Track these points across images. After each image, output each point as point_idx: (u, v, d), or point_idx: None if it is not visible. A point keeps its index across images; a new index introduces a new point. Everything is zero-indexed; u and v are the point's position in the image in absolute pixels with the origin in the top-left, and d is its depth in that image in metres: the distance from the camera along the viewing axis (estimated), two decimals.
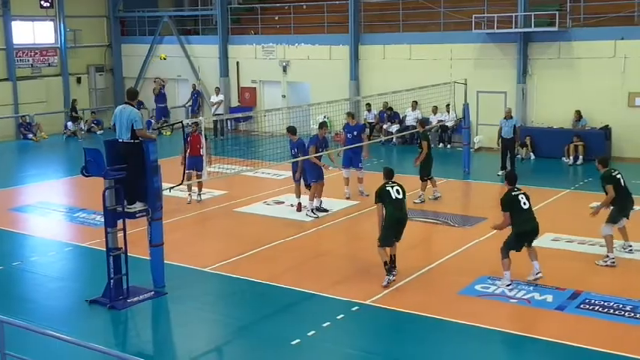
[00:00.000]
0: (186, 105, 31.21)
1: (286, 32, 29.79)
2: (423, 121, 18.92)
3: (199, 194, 17.68)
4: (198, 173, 16.38)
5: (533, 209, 11.99)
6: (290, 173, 17.03)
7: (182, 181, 12.81)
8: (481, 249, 13.73)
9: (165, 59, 21.40)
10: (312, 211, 16.15)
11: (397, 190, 11.94)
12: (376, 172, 19.88)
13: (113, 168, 11.16)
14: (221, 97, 29.55)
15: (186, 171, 14.59)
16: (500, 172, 20.61)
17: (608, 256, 12.54)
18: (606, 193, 12.73)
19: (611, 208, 12.80)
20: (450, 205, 17.21)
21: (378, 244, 11.83)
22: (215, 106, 29.10)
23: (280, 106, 27.34)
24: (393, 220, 11.81)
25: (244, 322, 10.73)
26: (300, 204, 16.40)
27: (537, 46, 24.23)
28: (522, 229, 11.62)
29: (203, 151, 14.46)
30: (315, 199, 16.22)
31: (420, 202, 17.05)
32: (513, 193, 11.79)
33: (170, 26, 32.50)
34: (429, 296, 11.38)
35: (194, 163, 16.04)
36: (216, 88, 29.96)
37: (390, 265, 11.89)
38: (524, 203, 11.68)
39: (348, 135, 18.02)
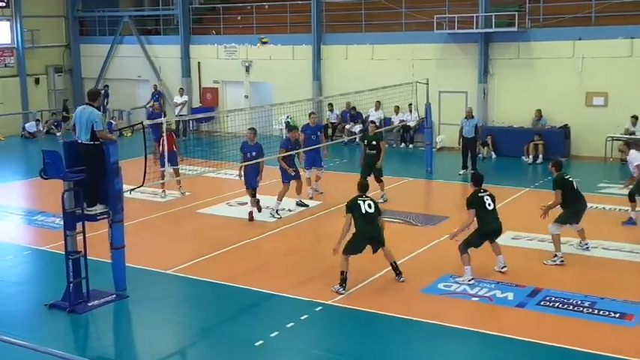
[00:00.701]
0: (147, 106, 30.89)
1: (249, 32, 29.69)
2: (374, 121, 19.07)
3: (180, 188, 18.25)
4: (175, 168, 17.23)
5: (496, 208, 12.14)
6: None
7: (142, 183, 12.66)
8: (444, 248, 13.81)
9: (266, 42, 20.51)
10: (276, 211, 16.12)
11: (369, 205, 11.65)
12: (339, 172, 20.01)
13: (72, 170, 11.00)
14: (185, 97, 29.35)
15: (161, 168, 15.35)
16: (461, 172, 20.81)
17: (556, 255, 12.71)
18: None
19: (563, 209, 12.93)
20: (412, 204, 17.31)
21: (342, 252, 11.67)
22: (179, 107, 28.88)
23: (243, 106, 27.22)
24: (364, 235, 11.61)
25: (207, 323, 10.66)
26: (251, 212, 15.99)
27: (498, 47, 24.52)
28: (486, 229, 11.86)
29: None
30: (282, 200, 16.21)
31: (383, 201, 17.13)
32: (479, 194, 11.95)
33: (130, 26, 32.17)
34: (392, 295, 11.42)
35: (169, 160, 16.12)
36: (180, 89, 29.74)
37: (396, 272, 11.85)
38: (489, 204, 11.89)
39: (312, 136, 18.02)
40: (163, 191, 18.12)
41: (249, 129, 16.07)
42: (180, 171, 17.65)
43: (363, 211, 11.57)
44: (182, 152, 19.07)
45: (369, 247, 11.73)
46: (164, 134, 16.07)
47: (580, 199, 13.06)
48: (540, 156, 22.64)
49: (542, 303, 10.82)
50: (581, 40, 22.98)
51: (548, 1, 23.93)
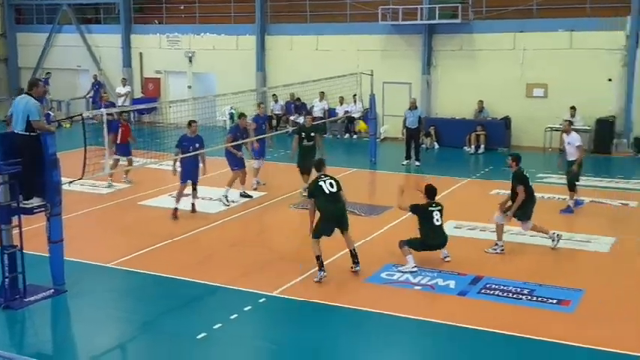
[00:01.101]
0: (87, 96, 30.30)
1: (192, 22, 29.34)
2: (311, 114, 19.13)
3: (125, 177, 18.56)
4: (129, 158, 18.21)
5: (437, 198, 12.29)
6: None
7: (82, 175, 12.39)
8: (387, 237, 13.90)
9: None
10: (225, 198, 16.15)
11: (330, 184, 11.66)
12: (283, 163, 19.92)
13: (7, 162, 10.68)
14: (128, 88, 28.88)
15: (116, 156, 17.25)
16: (404, 162, 20.99)
17: (497, 244, 12.90)
18: (513, 191, 12.85)
19: (512, 203, 12.95)
20: (356, 194, 17.32)
21: (311, 236, 11.61)
22: (122, 97, 28.39)
23: (186, 97, 26.91)
24: (329, 215, 11.58)
25: (148, 317, 10.50)
26: (176, 210, 15.35)
27: (441, 38, 24.77)
28: (430, 243, 12.09)
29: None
30: (231, 186, 16.29)
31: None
32: (430, 208, 12.10)
33: (69, 14, 31.45)
34: (336, 285, 11.43)
35: (124, 150, 18.01)
36: (123, 79, 29.24)
37: (353, 260, 11.81)
38: (437, 220, 12.06)
39: (262, 126, 18.03)
40: (110, 182, 18.06)
41: (190, 122, 15.79)
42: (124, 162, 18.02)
43: (327, 192, 11.58)
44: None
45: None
46: (121, 124, 17.61)
47: (532, 196, 13.10)
48: (482, 146, 22.98)
49: (482, 291, 10.97)
50: (522, 32, 23.39)
51: None
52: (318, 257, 11.53)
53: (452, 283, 11.28)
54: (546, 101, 23.22)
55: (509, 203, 12.93)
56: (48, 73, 30.63)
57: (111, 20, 31.66)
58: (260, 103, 18.96)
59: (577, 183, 15.61)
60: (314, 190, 11.68)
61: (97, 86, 29.85)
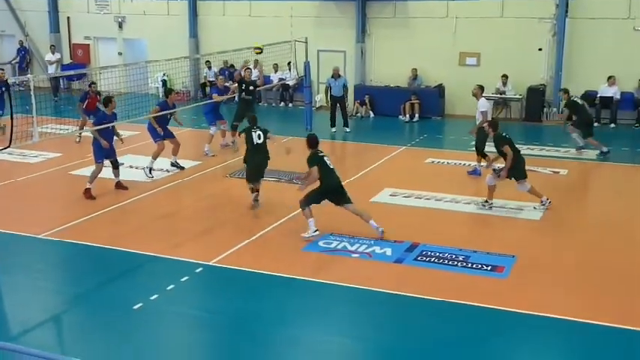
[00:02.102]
0: (13, 62, 29.23)
1: None
2: (250, 68, 19.45)
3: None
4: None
5: (373, 166, 12.35)
6: None
7: (9, 144, 12.00)
8: (323, 207, 13.92)
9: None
10: (149, 170, 15.84)
11: (259, 135, 13.18)
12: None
13: None
14: (58, 55, 27.92)
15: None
16: (332, 130, 21.03)
17: (487, 201, 13.51)
18: (501, 154, 13.36)
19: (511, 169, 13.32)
20: (293, 163, 17.29)
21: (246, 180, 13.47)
22: (54, 65, 27.45)
23: (117, 63, 26.23)
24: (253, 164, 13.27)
25: (82, 289, 10.28)
26: (89, 190, 14.39)
27: (375, 5, 24.76)
28: (329, 182, 12.10)
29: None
30: (156, 159, 15.86)
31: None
32: (320, 154, 12.18)
33: None
34: (274, 254, 11.42)
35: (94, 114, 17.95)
36: (52, 46, 28.26)
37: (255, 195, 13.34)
38: (330, 164, 12.20)
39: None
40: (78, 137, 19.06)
41: (109, 98, 14.84)
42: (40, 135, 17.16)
43: (254, 143, 13.28)
44: (47, 113, 18.22)
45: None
46: (89, 96, 18.29)
47: (519, 153, 13.61)
48: (417, 115, 23.18)
49: (419, 258, 11.12)
50: (455, 0, 23.54)
51: None
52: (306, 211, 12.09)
53: (388, 251, 11.39)
54: (479, 70, 23.53)
55: (499, 166, 13.53)
56: (20, 41, 29.14)
57: None
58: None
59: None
60: (246, 139, 13.33)
61: (24, 52, 28.82)
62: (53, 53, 27.81)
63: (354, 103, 24.42)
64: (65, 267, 11.40)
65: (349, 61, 25.15)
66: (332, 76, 21.37)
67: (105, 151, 14.58)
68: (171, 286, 10.15)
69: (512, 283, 10.29)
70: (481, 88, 16.45)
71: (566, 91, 18.70)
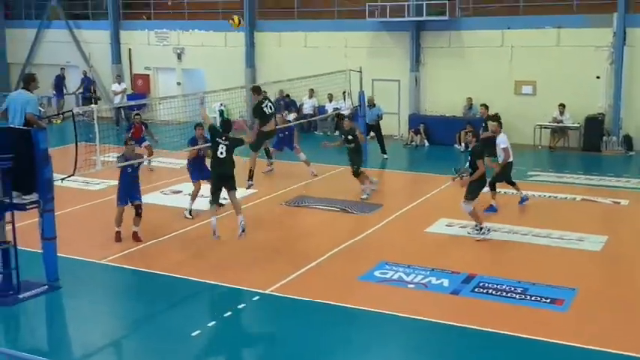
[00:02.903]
0: (77, 92, 30.14)
1: (180, 18, 29.25)
2: (349, 117, 18.77)
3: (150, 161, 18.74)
4: (146, 144, 18.59)
5: (428, 195, 12.33)
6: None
7: (74, 172, 12.36)
8: (379, 235, 13.97)
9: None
10: (189, 212, 15.25)
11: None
12: (276, 161, 19.89)
13: (0, 157, 10.63)
14: (124, 85, 28.62)
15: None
16: (385, 156, 21.09)
17: (480, 228, 13.35)
18: (473, 167, 13.47)
19: (470, 183, 13.48)
20: (347, 192, 17.38)
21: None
22: (119, 95, 28.15)
23: (175, 93, 26.82)
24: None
25: (142, 314, 10.50)
26: (119, 233, 13.69)
27: (429, 35, 24.83)
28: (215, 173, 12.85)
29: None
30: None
31: (366, 196, 16.65)
32: (217, 140, 12.73)
33: (58, 10, 31.25)
34: (330, 283, 11.46)
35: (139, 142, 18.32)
36: (117, 76, 29.04)
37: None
38: (221, 153, 12.70)
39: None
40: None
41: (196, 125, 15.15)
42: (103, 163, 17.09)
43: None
44: (111, 141, 18.59)
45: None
46: (133, 125, 18.31)
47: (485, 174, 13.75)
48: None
49: (476, 289, 11.01)
50: (510, 29, 23.48)
51: None
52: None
53: (445, 282, 11.32)
54: (535, 98, 23.33)
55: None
56: (62, 68, 30.21)
57: (99, 16, 31.46)
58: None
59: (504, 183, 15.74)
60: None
61: (87, 82, 29.70)
62: (119, 83, 28.50)
63: (409, 132, 24.45)
64: (125, 292, 11.64)
65: (403, 90, 25.22)
66: (367, 105, 21.61)
67: (201, 173, 14.97)
68: (229, 314, 10.28)
69: (572, 316, 10.11)
70: (500, 125, 15.77)
71: None
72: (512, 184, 15.64)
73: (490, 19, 23.81)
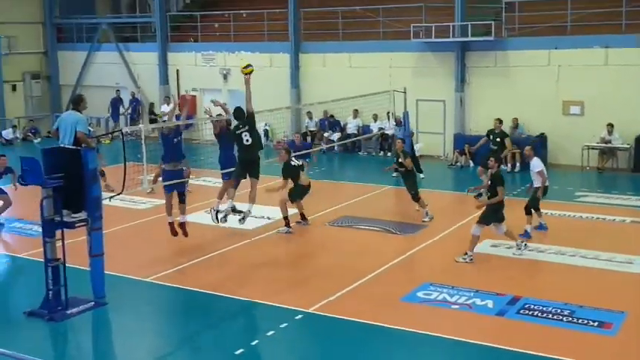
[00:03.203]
0: (126, 113, 30.75)
1: (226, 40, 29.67)
2: (402, 139, 18.65)
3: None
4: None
5: (473, 216, 12.25)
6: None
7: (122, 191, 12.60)
8: (422, 256, 13.90)
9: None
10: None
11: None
12: (318, 181, 19.98)
13: (51, 176, 10.90)
14: (172, 106, 29.06)
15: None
16: (422, 176, 20.70)
17: (467, 254, 13.23)
18: (493, 192, 13.36)
19: (487, 208, 13.41)
20: (391, 212, 17.36)
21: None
22: (168, 115, 28.55)
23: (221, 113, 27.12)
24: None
25: (186, 332, 10.60)
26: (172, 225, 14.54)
27: (474, 55, 24.72)
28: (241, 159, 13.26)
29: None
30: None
31: (429, 219, 16.43)
32: (238, 132, 13.14)
33: (108, 33, 32.02)
34: (373, 303, 11.42)
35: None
36: (166, 97, 29.56)
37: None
38: (247, 140, 13.09)
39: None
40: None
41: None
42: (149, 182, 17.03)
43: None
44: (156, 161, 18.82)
45: None
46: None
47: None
48: (518, 165, 22.81)
49: (522, 311, 10.86)
50: (557, 49, 23.25)
51: (524, 10, 24.18)
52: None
53: (490, 303, 11.19)
54: (583, 119, 22.99)
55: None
56: (117, 90, 30.90)
57: (148, 39, 32.15)
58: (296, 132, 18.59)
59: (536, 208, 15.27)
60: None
61: (135, 103, 30.28)
62: (168, 104, 28.97)
63: (454, 153, 24.32)
64: (170, 310, 11.78)
65: (449, 111, 25.13)
66: (396, 124, 21.59)
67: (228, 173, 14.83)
68: (272, 332, 10.31)
69: (621, 340, 9.90)
70: (532, 146, 15.59)
71: None
72: (537, 209, 15.28)
73: (537, 39, 23.61)
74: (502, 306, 11.06)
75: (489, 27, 23.94)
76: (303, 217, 16.00)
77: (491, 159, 14.16)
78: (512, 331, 10.27)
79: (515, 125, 23.83)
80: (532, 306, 11.02)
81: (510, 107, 23.93)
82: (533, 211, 15.09)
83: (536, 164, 15.15)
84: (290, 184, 15.69)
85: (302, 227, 15.94)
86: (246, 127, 13.12)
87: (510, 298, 11.36)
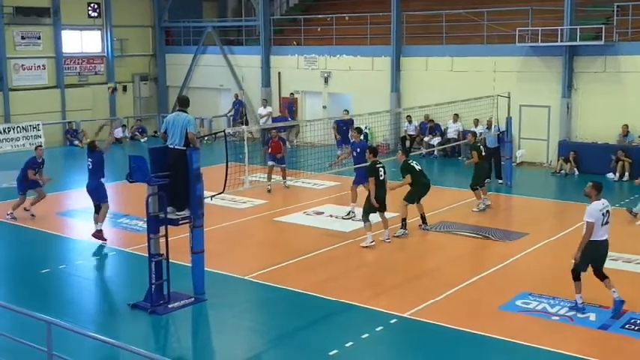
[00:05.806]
0: (228, 114, 31.47)
1: (328, 43, 29.89)
2: (474, 133, 19.06)
3: (284, 182, 19.91)
4: (282, 166, 19.86)
5: (577, 226, 11.84)
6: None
7: (223, 190, 12.89)
8: (522, 264, 13.59)
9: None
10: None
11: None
12: None
13: (157, 175, 11.30)
14: (269, 109, 29.59)
15: (269, 162, 19.57)
16: (487, 180, 19.95)
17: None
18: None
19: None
20: (491, 219, 17.05)
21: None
22: (264, 118, 29.14)
23: (321, 116, 27.39)
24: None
25: (282, 330, 10.75)
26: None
27: (583, 60, 23.91)
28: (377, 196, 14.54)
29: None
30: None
31: (481, 208, 17.61)
32: (377, 165, 14.56)
33: (213, 36, 32.87)
34: (469, 311, 11.26)
35: (274, 159, 19.83)
36: (264, 100, 30.09)
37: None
38: (384, 173, 14.65)
39: (354, 152, 17.38)
40: (284, 182, 20.04)
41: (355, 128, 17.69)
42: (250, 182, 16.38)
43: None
44: (257, 162, 19.11)
45: None
46: (271, 140, 19.58)
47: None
48: (627, 174, 21.92)
49: (627, 326, 10.45)
50: None
51: (636, 14, 23.23)
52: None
53: (592, 316, 10.82)
54: None
55: None
56: (236, 94, 31.50)
57: (252, 42, 32.79)
58: (357, 127, 18.30)
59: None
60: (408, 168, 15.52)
61: (238, 105, 30.94)
62: (265, 107, 29.51)
63: (558, 160, 23.60)
64: (267, 308, 11.97)
65: (554, 117, 24.41)
66: (487, 127, 21.15)
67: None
68: (366, 335, 10.32)
69: None
70: (595, 187, 12.07)
71: None
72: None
73: None
74: (606, 319, 10.68)
75: (599, 31, 23.12)
76: (422, 219, 16.17)
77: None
78: (615, 346, 9.91)
79: (626, 133, 22.93)
80: (638, 321, 10.58)
81: (620, 114, 23.02)
82: None
83: (590, 212, 13.45)
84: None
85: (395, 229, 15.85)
86: (383, 166, 14.84)
87: (615, 312, 10.92)
